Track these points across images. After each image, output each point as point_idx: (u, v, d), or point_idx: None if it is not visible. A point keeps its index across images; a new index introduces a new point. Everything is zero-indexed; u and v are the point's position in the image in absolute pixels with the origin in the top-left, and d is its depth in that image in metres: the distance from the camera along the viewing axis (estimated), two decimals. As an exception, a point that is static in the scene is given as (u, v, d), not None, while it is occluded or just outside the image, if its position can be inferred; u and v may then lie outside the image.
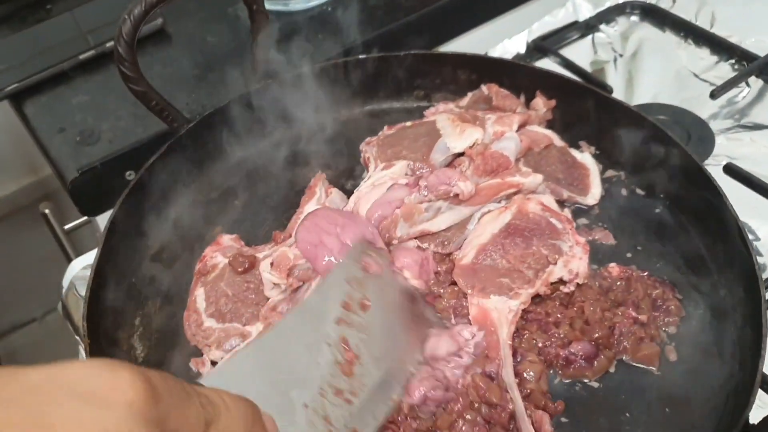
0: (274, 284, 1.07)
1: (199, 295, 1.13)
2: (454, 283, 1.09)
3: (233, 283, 1.13)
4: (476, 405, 0.95)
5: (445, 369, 0.97)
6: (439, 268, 1.12)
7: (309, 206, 1.18)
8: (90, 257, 1.29)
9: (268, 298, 1.10)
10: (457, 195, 1.13)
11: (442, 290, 1.09)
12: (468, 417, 0.94)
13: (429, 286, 1.10)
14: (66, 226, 1.55)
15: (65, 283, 1.32)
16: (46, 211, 1.52)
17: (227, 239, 1.20)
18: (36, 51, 1.59)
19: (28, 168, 2.42)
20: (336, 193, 1.24)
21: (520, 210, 1.15)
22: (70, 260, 1.39)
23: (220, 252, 1.17)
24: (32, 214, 2.43)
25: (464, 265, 1.09)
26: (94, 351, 1.01)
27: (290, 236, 1.15)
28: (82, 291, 1.23)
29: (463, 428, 0.93)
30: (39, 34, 1.65)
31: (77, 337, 1.28)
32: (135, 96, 1.23)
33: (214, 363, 1.06)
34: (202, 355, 1.08)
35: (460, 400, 0.95)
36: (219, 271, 1.15)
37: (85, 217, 1.51)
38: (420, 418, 0.95)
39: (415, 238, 1.13)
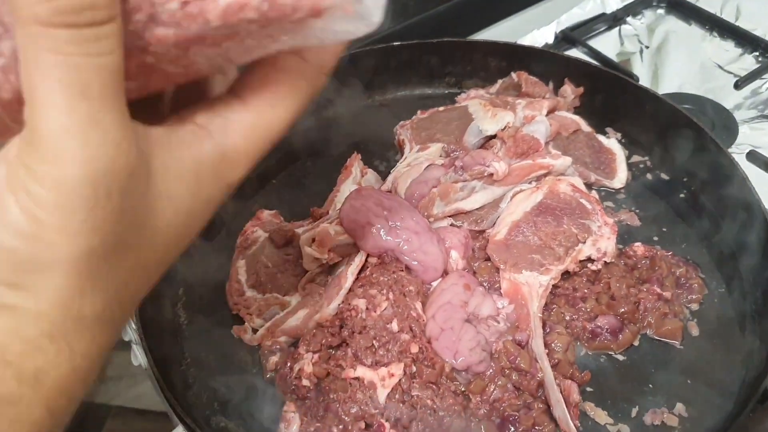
0: (315, 258, 1.13)
1: (240, 267, 1.19)
2: (487, 259, 1.14)
3: (273, 255, 1.18)
4: (507, 371, 1.00)
5: (485, 332, 1.03)
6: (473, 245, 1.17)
7: (345, 185, 1.24)
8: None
9: (306, 271, 1.15)
10: (491, 175, 1.17)
11: (475, 265, 1.14)
12: (499, 383, 0.99)
13: (469, 263, 1.15)
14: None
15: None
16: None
17: (267, 215, 1.25)
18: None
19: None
20: (371, 174, 1.29)
21: (551, 190, 1.20)
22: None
23: (260, 227, 1.23)
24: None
25: (498, 241, 1.13)
26: (142, 316, 1.06)
27: (327, 213, 1.20)
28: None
29: (494, 392, 0.99)
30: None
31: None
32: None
33: (255, 330, 1.12)
34: (243, 323, 1.14)
35: (492, 365, 1.00)
36: (259, 244, 1.20)
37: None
38: (457, 381, 1.00)
39: (450, 216, 1.18)
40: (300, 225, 1.22)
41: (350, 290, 1.07)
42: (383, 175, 1.28)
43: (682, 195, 1.27)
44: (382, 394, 0.95)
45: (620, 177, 1.30)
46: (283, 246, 1.19)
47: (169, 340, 1.12)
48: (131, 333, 1.14)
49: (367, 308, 1.02)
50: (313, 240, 1.11)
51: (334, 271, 1.12)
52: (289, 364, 1.02)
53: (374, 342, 0.99)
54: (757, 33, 1.64)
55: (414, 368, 0.98)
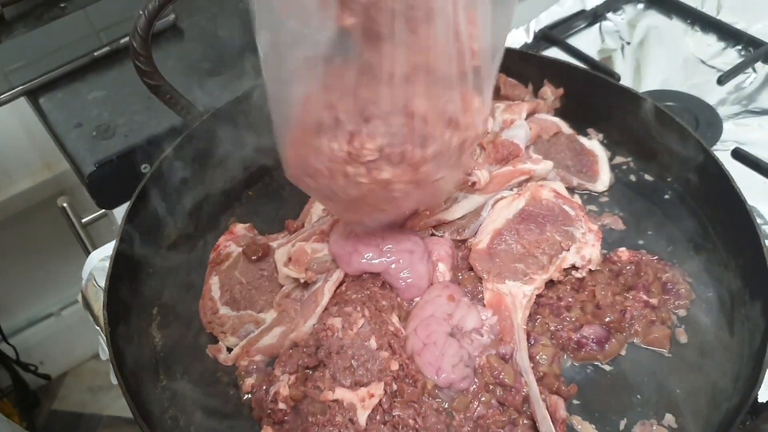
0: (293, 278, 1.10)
1: (213, 284, 1.15)
2: (471, 269, 1.10)
3: (247, 271, 1.15)
4: (491, 387, 0.97)
5: (469, 347, 1.00)
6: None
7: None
8: (108, 249, 1.31)
9: (281, 286, 1.12)
10: (473, 183, 1.14)
11: (460, 275, 1.10)
12: (483, 399, 0.96)
13: (455, 273, 1.11)
14: (83, 220, 1.57)
15: (84, 274, 1.34)
16: (64, 204, 1.54)
17: (240, 228, 1.22)
18: (51, 48, 1.61)
19: (43, 164, 2.44)
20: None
21: (533, 196, 1.17)
22: (88, 253, 1.41)
23: (234, 241, 1.19)
24: (47, 212, 2.46)
25: (480, 250, 1.10)
26: (114, 338, 1.03)
27: (302, 225, 1.17)
28: (102, 282, 1.25)
29: (478, 409, 0.96)
30: (54, 32, 1.67)
31: (97, 327, 1.30)
32: (150, 90, 1.25)
33: (229, 350, 1.09)
34: (217, 342, 1.10)
35: (476, 381, 0.97)
36: (233, 259, 1.17)
37: (102, 211, 1.53)
38: (440, 398, 0.97)
39: (432, 226, 1.15)
40: (275, 238, 1.19)
41: (325, 309, 1.04)
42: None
43: (666, 196, 1.25)
44: (362, 416, 0.92)
45: (603, 179, 1.27)
46: (258, 261, 1.16)
47: (144, 361, 1.09)
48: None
49: (343, 327, 0.99)
50: (290, 259, 1.07)
51: (310, 286, 1.09)
52: (264, 387, 0.99)
53: (353, 362, 0.96)
54: (739, 26, 1.62)
55: (395, 386, 0.95)
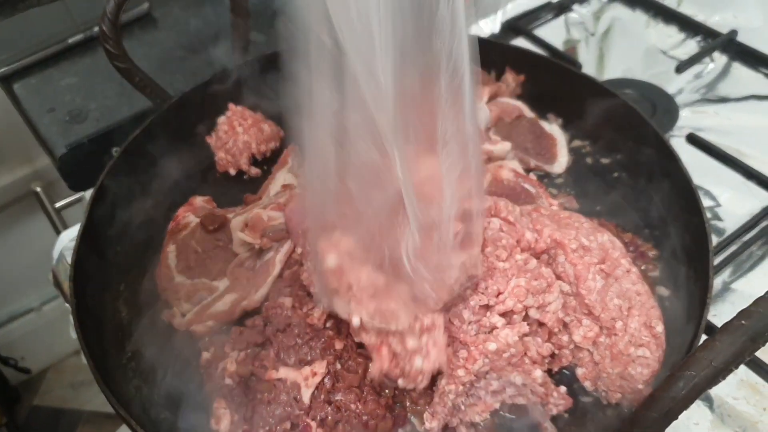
0: (245, 242, 1.13)
1: (170, 251, 1.18)
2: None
3: (203, 240, 1.18)
4: None
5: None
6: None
7: (280, 174, 1.24)
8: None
9: (235, 255, 1.15)
10: None
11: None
12: None
13: None
14: (57, 204, 1.60)
15: (55, 254, 1.37)
16: (38, 189, 1.57)
17: (200, 200, 1.25)
18: (26, 35, 1.63)
19: (22, 160, 2.46)
20: (311, 166, 1.29)
21: (494, 177, 1.20)
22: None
23: (193, 212, 1.22)
24: (27, 207, 2.48)
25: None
26: (81, 311, 1.05)
27: (260, 198, 1.20)
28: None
29: None
30: (30, 20, 1.69)
31: (67, 305, 1.33)
32: (119, 73, 1.28)
33: (183, 315, 1.12)
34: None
35: None
36: (190, 229, 1.20)
37: (76, 195, 1.56)
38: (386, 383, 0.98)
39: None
40: (232, 210, 1.22)
41: (278, 289, 1.07)
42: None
43: (620, 177, 1.28)
44: (306, 394, 0.94)
45: (561, 162, 1.31)
46: (214, 231, 1.18)
47: (110, 336, 1.11)
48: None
49: (293, 306, 1.02)
50: (246, 225, 1.10)
51: (262, 257, 1.12)
52: (214, 364, 1.01)
53: (297, 339, 0.98)
54: (699, 18, 1.67)
55: (338, 366, 0.97)
